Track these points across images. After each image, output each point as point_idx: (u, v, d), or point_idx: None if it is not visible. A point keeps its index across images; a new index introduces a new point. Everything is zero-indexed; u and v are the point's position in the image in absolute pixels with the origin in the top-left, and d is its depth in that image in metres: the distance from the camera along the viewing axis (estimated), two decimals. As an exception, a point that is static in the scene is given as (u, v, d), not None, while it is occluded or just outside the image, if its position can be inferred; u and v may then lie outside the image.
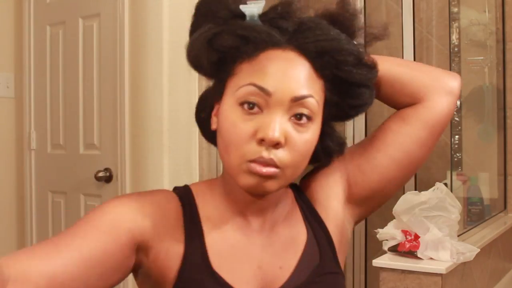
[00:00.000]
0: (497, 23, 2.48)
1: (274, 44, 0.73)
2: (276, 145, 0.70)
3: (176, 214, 0.76)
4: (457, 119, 2.26)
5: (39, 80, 2.43)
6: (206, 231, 0.76)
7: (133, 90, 2.02)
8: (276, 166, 0.70)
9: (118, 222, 0.70)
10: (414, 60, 1.89)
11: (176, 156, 1.93)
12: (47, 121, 2.41)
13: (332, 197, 0.86)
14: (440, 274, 1.35)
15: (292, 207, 0.84)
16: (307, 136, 0.72)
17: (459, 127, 2.27)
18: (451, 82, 0.86)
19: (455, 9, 2.28)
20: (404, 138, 0.85)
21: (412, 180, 1.95)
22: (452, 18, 2.26)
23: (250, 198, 0.77)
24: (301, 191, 0.87)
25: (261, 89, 0.70)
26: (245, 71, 0.73)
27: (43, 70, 2.41)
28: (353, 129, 2.31)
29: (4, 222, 2.47)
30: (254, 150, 0.70)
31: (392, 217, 1.50)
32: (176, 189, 0.81)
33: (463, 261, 1.43)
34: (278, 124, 0.69)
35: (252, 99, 0.71)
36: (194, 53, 0.77)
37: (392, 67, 0.85)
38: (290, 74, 0.71)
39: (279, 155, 0.70)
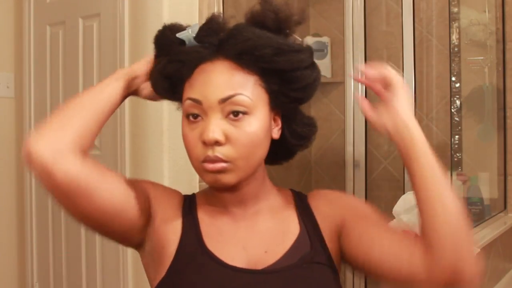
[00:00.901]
0: (497, 23, 2.48)
1: (202, 60, 0.86)
2: (216, 143, 0.82)
3: (179, 203, 0.94)
4: (457, 119, 2.26)
5: (39, 80, 2.43)
6: (200, 217, 0.92)
7: (133, 90, 2.02)
8: (223, 161, 0.83)
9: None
10: (414, 60, 1.88)
11: (176, 156, 1.93)
12: (47, 121, 2.41)
13: (332, 216, 0.94)
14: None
15: (286, 205, 0.95)
16: (247, 128, 0.83)
17: (459, 127, 2.27)
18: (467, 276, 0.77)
19: (455, 9, 2.28)
20: (394, 259, 0.83)
21: (412, 180, 1.95)
22: (452, 18, 2.27)
23: (228, 193, 0.90)
24: (305, 199, 0.98)
25: (194, 100, 0.84)
26: (186, 88, 0.87)
27: (43, 70, 2.41)
28: (353, 130, 2.31)
29: (4, 222, 2.47)
30: (202, 152, 0.84)
31: (392, 217, 1.50)
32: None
33: (463, 261, 1.42)
34: (213, 126, 0.82)
35: (192, 110, 0.85)
36: (153, 84, 0.92)
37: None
38: (213, 81, 0.84)
39: (223, 151, 0.83)
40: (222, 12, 1.92)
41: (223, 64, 0.85)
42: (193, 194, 0.97)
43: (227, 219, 0.92)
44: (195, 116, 0.85)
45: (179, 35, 0.87)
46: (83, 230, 2.27)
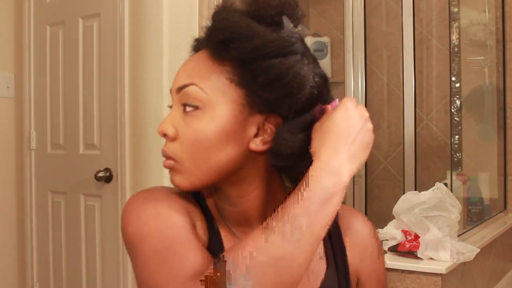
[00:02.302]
0: (497, 23, 2.48)
1: (196, 50, 0.77)
2: (164, 136, 0.73)
3: (199, 215, 0.77)
4: (457, 119, 2.26)
5: (39, 80, 2.43)
6: (223, 235, 0.76)
7: (133, 90, 2.02)
8: (171, 158, 0.73)
9: (180, 222, 0.71)
10: (414, 60, 1.88)
11: (176, 156, 1.93)
12: (47, 121, 2.41)
13: (359, 265, 0.84)
14: (440, 274, 1.35)
15: None
16: (194, 125, 0.70)
17: (459, 127, 2.27)
18: None
19: (455, 9, 2.28)
20: None
21: (412, 180, 1.95)
22: (452, 18, 2.26)
23: (229, 207, 0.76)
24: (336, 220, 0.83)
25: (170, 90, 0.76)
26: None
27: (43, 70, 2.41)
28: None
29: (4, 222, 2.47)
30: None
31: (392, 217, 1.50)
32: (192, 194, 0.80)
33: (463, 261, 1.43)
34: (168, 118, 0.73)
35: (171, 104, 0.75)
36: None
37: None
38: (180, 69, 0.74)
39: (171, 147, 0.72)
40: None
41: (200, 53, 0.74)
42: (203, 198, 0.80)
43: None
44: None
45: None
46: (83, 230, 2.27)
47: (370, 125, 0.71)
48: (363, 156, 0.69)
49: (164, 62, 1.92)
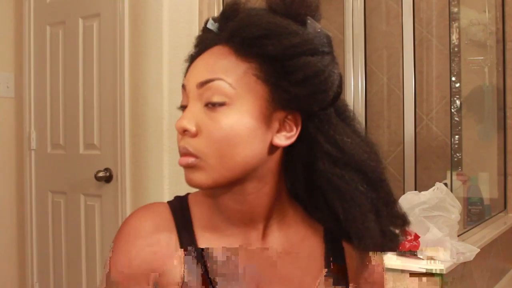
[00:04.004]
0: (497, 23, 2.48)
1: (207, 45, 0.75)
2: (184, 132, 0.71)
3: (169, 239, 0.76)
4: (457, 119, 2.26)
5: (39, 80, 2.43)
6: (201, 243, 0.76)
7: (133, 90, 2.02)
8: (192, 155, 0.71)
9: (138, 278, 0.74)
10: (414, 60, 1.89)
11: (176, 156, 1.93)
12: (47, 121, 2.41)
13: (356, 273, 0.83)
14: (440, 274, 1.35)
15: (312, 234, 0.80)
16: (222, 121, 0.70)
17: (459, 127, 2.27)
18: None
19: (455, 9, 2.28)
20: None
21: (412, 180, 1.95)
22: (452, 18, 2.27)
23: (234, 205, 0.75)
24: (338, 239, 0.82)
25: (182, 86, 0.74)
26: None
27: (43, 70, 2.41)
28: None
29: (4, 222, 2.47)
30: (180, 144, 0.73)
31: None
32: (172, 203, 0.80)
33: (463, 261, 1.43)
34: (187, 113, 0.71)
35: (183, 102, 0.74)
36: None
37: None
38: (198, 64, 0.73)
39: (193, 143, 0.71)
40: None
41: (218, 48, 0.73)
42: (186, 204, 0.79)
43: (236, 247, 0.77)
44: (184, 108, 0.74)
45: (208, 24, 0.78)
46: (83, 230, 2.27)
47: None
48: None
49: (164, 62, 1.92)
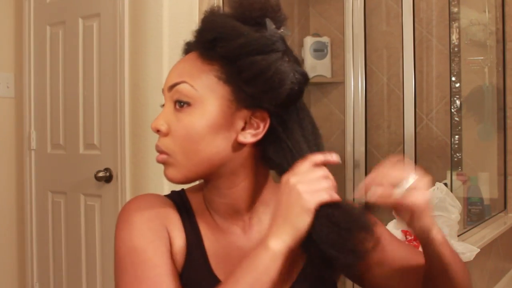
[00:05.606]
0: (497, 23, 2.48)
1: (187, 52, 0.83)
2: (158, 132, 0.78)
3: (174, 214, 0.83)
4: (457, 119, 2.26)
5: (39, 80, 2.43)
6: (203, 232, 0.83)
7: (133, 90, 2.02)
8: (164, 152, 0.78)
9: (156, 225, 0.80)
10: (414, 60, 1.89)
11: (176, 156, 1.93)
12: (47, 121, 2.41)
13: None
14: (440, 274, 1.34)
15: None
16: (186, 121, 0.77)
17: (459, 127, 2.27)
18: None
19: (455, 9, 2.28)
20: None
21: (412, 180, 1.95)
22: (452, 18, 2.27)
23: (218, 199, 0.82)
24: None
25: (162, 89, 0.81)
26: None
27: (43, 70, 2.41)
28: (353, 130, 2.31)
29: (4, 222, 2.47)
30: None
31: (392, 217, 1.50)
32: (171, 195, 0.87)
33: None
34: (161, 115, 0.78)
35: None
36: None
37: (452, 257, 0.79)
38: (172, 70, 0.81)
39: (164, 141, 0.78)
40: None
41: (190, 54, 0.81)
42: (185, 196, 0.87)
43: (231, 235, 0.83)
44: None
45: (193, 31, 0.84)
46: (83, 230, 2.27)
47: (298, 184, 0.73)
48: (300, 219, 0.72)
49: (164, 62, 1.92)
